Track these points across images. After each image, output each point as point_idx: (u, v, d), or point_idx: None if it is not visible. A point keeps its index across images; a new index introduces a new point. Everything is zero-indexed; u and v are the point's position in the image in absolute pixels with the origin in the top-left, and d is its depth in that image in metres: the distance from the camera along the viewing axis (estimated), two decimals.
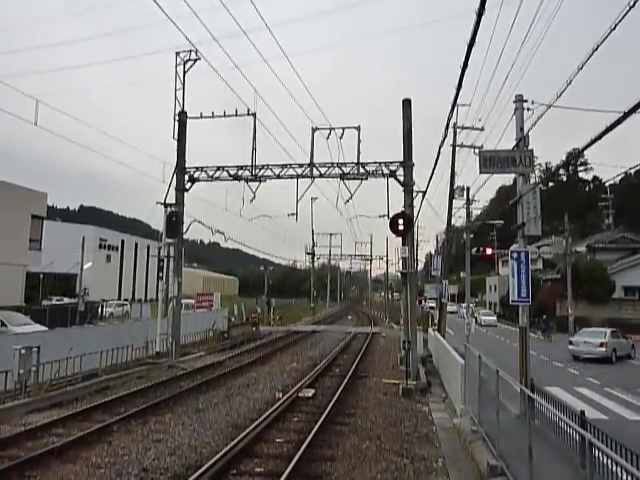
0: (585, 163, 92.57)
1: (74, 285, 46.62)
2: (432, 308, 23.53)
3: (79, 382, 14.10)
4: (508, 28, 9.94)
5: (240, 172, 19.98)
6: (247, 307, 43.08)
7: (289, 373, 17.84)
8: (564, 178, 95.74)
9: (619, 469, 4.29)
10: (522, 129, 11.74)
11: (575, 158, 79.60)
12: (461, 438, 9.94)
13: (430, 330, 23.53)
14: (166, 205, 19.99)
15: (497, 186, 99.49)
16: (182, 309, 22.93)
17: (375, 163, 18.91)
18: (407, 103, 17.89)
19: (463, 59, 7.73)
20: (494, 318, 51.18)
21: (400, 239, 17.45)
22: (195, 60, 20.29)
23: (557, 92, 8.65)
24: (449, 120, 13.66)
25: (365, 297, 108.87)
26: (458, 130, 22.19)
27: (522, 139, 11.65)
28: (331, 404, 12.39)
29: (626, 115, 5.84)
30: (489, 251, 26.20)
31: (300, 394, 13.88)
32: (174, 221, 19.70)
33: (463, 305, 61.36)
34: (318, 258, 68.19)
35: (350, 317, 58.55)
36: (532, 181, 12.20)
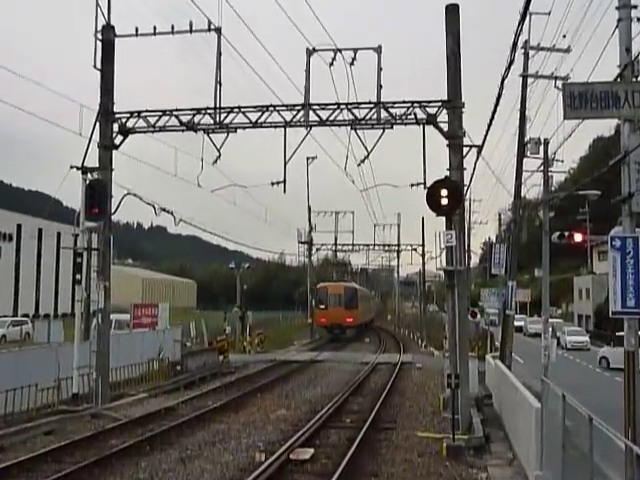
0: None
1: None
2: (492, 324, 23.81)
3: None
4: None
5: (197, 118, 20.10)
6: (210, 325, 42.86)
7: (275, 424, 18.06)
8: None
9: None
10: (629, 50, 11.65)
11: None
12: None
13: (489, 358, 23.97)
14: (85, 170, 20.08)
15: (591, 138, 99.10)
16: (112, 329, 23.09)
17: (404, 103, 19.02)
18: (453, 10, 17.93)
19: None
20: (585, 338, 51.37)
21: (443, 220, 17.55)
22: None
23: None
24: (517, 37, 13.67)
25: (390, 308, 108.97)
26: (531, 52, 22.05)
27: (629, 65, 11.58)
28: (339, 472, 12.45)
29: None
30: (579, 237, 25.88)
31: (292, 456, 13.96)
32: (97, 195, 19.74)
33: (530, 319, 61.14)
34: (318, 249, 68.23)
35: (368, 339, 58.78)
36: None
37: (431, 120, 18.64)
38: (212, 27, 19.68)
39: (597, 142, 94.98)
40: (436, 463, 13.96)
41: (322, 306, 56.20)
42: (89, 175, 20.11)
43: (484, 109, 20.17)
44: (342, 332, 56.23)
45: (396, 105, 19.16)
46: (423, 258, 65.30)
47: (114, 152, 20.72)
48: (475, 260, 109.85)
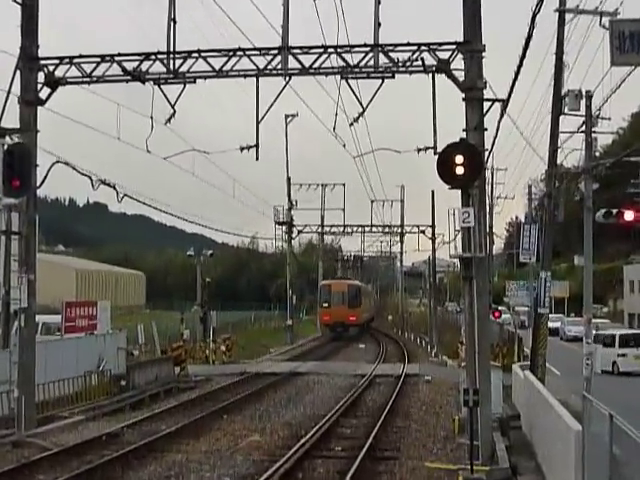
0: None
1: None
2: (522, 325, 24.08)
3: None
4: None
5: (146, 65, 20.14)
6: (164, 328, 43.21)
7: (246, 454, 18.17)
8: None
9: None
10: None
11: None
12: None
13: (516, 368, 23.93)
14: (3, 132, 20.23)
15: None
16: (38, 334, 23.40)
17: (409, 46, 19.00)
18: None
19: None
20: None
21: (459, 194, 17.50)
22: None
23: None
24: None
25: (391, 305, 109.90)
26: None
27: None
28: None
29: None
30: (630, 215, 25.59)
31: None
32: (18, 163, 19.71)
33: (569, 320, 61.58)
34: (300, 232, 67.96)
35: (363, 345, 59.43)
36: None
37: (443, 67, 18.60)
38: None
39: None
40: None
41: (325, 304, 68.37)
42: (8, 138, 20.31)
43: (510, 54, 19.63)
44: (345, 330, 67.60)
45: (398, 48, 19.24)
46: (433, 243, 65.59)
47: (39, 109, 20.91)
48: (499, 245, 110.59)
